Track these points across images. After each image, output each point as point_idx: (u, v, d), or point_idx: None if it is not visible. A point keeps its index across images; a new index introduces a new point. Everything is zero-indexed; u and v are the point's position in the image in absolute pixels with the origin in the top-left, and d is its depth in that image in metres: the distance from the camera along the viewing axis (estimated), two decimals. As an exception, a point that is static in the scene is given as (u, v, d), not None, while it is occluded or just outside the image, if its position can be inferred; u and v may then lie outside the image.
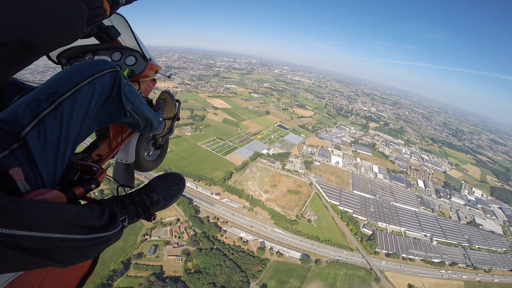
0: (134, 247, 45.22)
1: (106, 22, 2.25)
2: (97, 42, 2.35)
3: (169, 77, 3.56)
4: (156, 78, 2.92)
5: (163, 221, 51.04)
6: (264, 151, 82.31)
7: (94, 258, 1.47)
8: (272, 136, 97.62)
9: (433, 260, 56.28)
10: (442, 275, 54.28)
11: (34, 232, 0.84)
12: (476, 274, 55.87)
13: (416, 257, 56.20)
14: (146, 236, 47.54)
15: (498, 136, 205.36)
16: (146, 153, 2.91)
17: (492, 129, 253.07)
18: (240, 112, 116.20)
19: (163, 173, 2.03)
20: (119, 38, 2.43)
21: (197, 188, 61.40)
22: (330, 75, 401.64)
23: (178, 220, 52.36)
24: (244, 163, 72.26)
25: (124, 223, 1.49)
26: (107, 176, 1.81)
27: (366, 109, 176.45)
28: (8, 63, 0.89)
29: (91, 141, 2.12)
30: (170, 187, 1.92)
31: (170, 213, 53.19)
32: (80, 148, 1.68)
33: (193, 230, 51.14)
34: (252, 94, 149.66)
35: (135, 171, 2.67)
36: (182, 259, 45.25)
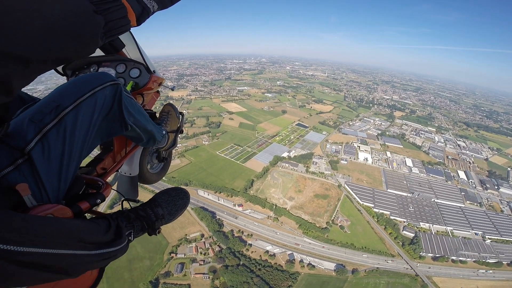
0: (161, 266, 44.19)
1: None
2: (102, 53, 2.36)
3: (172, 89, 3.46)
4: (159, 90, 2.92)
5: (187, 237, 49.38)
6: (285, 154, 78.31)
7: (100, 269, 1.50)
8: (292, 137, 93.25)
9: (487, 260, 49.85)
10: (495, 276, 48.21)
11: (41, 249, 0.86)
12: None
13: (468, 259, 50.06)
14: (172, 254, 46.30)
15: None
16: (149, 166, 2.89)
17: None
18: (256, 114, 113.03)
19: (167, 188, 2.05)
20: (123, 50, 2.42)
21: (219, 200, 59.02)
22: (344, 66, 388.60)
23: (202, 235, 50.42)
24: (264, 169, 68.85)
25: (130, 238, 1.53)
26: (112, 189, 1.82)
27: (388, 97, 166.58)
28: (15, 79, 0.86)
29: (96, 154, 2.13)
30: (174, 202, 1.95)
31: (194, 229, 51.49)
32: (85, 161, 1.72)
33: (218, 245, 48.97)
34: (266, 94, 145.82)
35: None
36: (209, 277, 43.60)
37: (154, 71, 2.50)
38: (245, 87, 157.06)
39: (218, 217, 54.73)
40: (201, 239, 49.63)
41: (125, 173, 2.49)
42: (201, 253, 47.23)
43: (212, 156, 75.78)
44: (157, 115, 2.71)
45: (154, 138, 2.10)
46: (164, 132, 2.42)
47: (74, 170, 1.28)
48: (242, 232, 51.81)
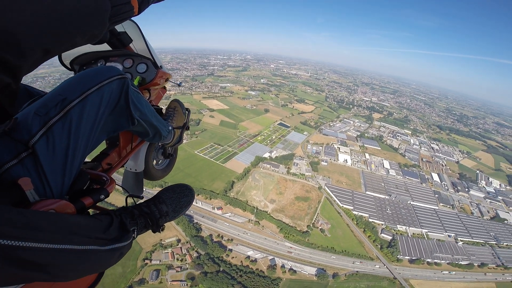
0: (135, 273, 41.48)
1: (119, 28, 2.24)
2: (109, 48, 2.35)
3: (179, 85, 3.51)
4: (166, 86, 2.87)
5: (162, 243, 46.65)
6: (266, 155, 76.97)
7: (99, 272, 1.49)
8: (273, 137, 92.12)
9: (460, 262, 51.78)
10: (475, 278, 50.25)
11: (41, 243, 0.84)
12: (503, 274, 51.53)
13: (442, 261, 51.69)
14: (147, 261, 43.63)
15: (502, 119, 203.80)
16: (155, 162, 2.88)
17: (495, 112, 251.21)
18: (238, 112, 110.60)
19: (171, 184, 2.03)
20: (130, 45, 2.41)
21: (196, 203, 56.14)
22: (327, 66, 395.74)
23: (179, 241, 47.93)
24: (245, 170, 66.96)
25: (133, 235, 1.51)
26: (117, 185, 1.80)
27: (367, 99, 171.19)
28: (21, 64, 0.83)
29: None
30: (179, 199, 1.92)
31: (170, 234, 48.77)
32: (90, 156, 1.73)
33: (196, 251, 46.73)
34: (249, 92, 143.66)
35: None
36: (187, 285, 41.61)
37: (161, 66, 2.47)
38: (228, 84, 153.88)
39: (195, 221, 52.25)
40: (178, 245, 47.15)
41: (130, 168, 2.44)
42: (177, 259, 44.84)
43: (190, 156, 72.43)
44: (163, 111, 2.67)
45: (160, 133, 2.07)
46: (170, 127, 2.36)
47: (78, 165, 1.26)
48: (222, 237, 49.78)
